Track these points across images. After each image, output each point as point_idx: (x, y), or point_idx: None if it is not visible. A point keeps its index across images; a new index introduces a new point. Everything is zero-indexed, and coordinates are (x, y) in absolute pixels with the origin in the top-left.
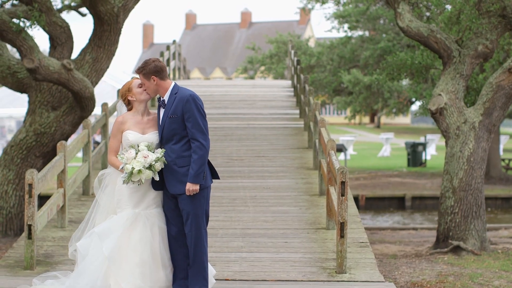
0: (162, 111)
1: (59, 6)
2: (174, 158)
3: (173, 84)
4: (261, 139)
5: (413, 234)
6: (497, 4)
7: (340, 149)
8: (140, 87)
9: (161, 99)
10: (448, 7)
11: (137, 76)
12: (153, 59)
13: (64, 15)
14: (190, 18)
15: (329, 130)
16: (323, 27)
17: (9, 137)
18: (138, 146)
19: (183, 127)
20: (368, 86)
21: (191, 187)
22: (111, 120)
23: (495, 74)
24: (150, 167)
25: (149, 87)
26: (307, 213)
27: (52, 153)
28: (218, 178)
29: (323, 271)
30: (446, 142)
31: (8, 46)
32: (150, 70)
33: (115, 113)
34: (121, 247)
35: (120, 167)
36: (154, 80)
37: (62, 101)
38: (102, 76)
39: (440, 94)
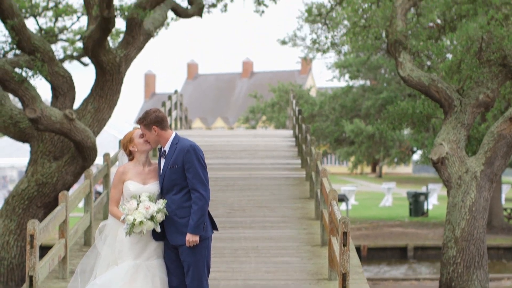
0: (163, 161)
1: (61, 56)
2: (174, 209)
3: (173, 134)
4: (263, 189)
5: (416, 285)
6: (497, 53)
7: (342, 199)
8: (142, 138)
9: (162, 149)
10: (449, 56)
11: (139, 126)
12: (153, 110)
13: (66, 64)
14: (191, 68)
15: (331, 180)
16: (325, 77)
17: (11, 187)
18: (140, 197)
19: (183, 178)
20: (370, 136)
21: (191, 238)
22: (113, 170)
23: (496, 123)
24: (151, 218)
25: (150, 138)
26: (309, 263)
27: (54, 203)
28: (216, 229)
29: None
30: (448, 192)
31: (10, 96)
32: (151, 120)
33: (117, 163)
34: None
35: (122, 218)
36: (155, 131)
37: (64, 151)
38: (104, 125)
39: (441, 144)
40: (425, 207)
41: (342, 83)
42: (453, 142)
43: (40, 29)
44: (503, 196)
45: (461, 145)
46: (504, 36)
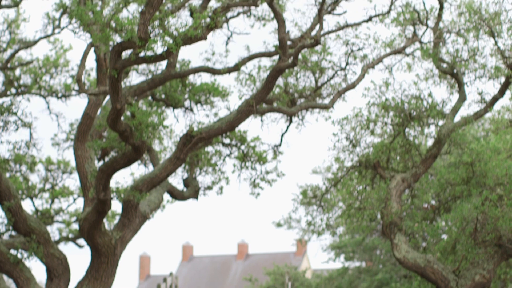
0: None
1: (57, 237)
2: None
3: None
4: None
5: None
6: (492, 233)
7: None
8: None
9: None
10: (444, 236)
11: None
12: None
13: (62, 246)
14: (187, 250)
15: None
16: (320, 259)
17: None
18: None
19: None
20: None
21: None
22: None
23: None
24: None
25: None
26: None
27: None
28: None
29: None
30: None
31: (4, 277)
32: None
33: None
34: None
35: None
36: None
37: None
38: None
39: None
40: None
41: (338, 265)
42: None
43: (36, 210)
44: None
45: None
46: (499, 217)
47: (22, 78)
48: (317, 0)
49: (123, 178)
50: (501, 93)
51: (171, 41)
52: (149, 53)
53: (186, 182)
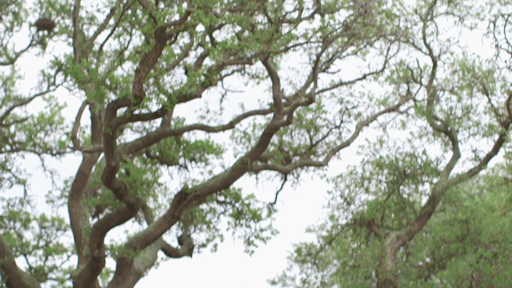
0: None
1: None
2: None
3: None
4: None
5: None
6: None
7: None
8: None
9: None
10: None
11: None
12: None
13: None
14: None
15: None
16: None
17: None
18: None
19: None
20: None
21: None
22: None
23: None
24: None
25: None
26: None
27: None
28: None
29: None
30: None
31: None
32: None
33: None
34: None
35: None
36: None
37: None
38: None
39: None
40: None
41: None
42: None
43: (30, 267)
44: None
45: None
46: (494, 274)
47: (17, 135)
48: (312, 58)
49: (117, 236)
50: (495, 150)
51: (166, 99)
52: (144, 110)
53: (180, 240)
